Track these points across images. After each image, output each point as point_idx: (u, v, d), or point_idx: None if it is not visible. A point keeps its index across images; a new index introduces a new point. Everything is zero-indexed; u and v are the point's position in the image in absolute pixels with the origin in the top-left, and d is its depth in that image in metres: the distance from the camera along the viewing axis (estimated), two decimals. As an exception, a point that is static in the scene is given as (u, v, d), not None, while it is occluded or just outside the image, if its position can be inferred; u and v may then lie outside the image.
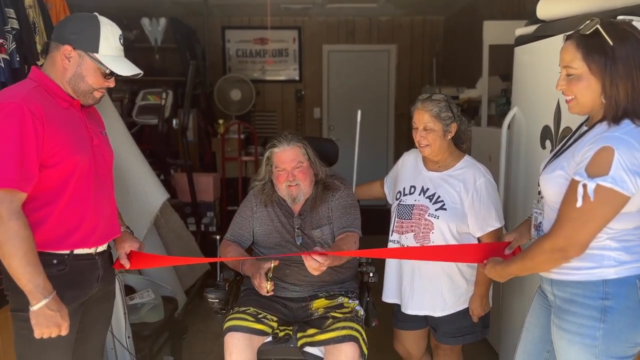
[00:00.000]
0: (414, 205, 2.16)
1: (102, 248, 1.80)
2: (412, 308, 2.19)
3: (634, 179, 1.33)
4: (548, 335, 1.60)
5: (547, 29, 2.32)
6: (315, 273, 1.87)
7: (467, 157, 2.23)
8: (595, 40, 1.41)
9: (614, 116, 1.41)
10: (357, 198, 2.43)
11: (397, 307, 2.28)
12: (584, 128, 1.53)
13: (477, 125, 3.84)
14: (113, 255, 1.93)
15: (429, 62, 6.57)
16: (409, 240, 2.15)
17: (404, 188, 2.24)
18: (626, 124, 1.39)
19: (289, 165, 2.21)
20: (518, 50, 2.59)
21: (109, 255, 1.90)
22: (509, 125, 2.62)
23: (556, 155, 1.57)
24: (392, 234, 2.22)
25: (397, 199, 2.24)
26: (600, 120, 1.45)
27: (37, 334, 1.58)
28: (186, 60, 4.98)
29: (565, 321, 1.50)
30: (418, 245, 2.13)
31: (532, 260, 1.52)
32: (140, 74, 1.76)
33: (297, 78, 6.83)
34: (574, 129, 1.65)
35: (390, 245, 2.22)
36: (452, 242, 2.12)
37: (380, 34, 6.74)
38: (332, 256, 1.89)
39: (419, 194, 2.17)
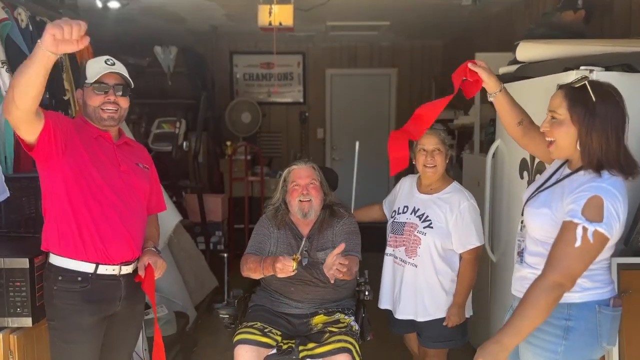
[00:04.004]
0: (405, 222, 2.48)
1: (126, 270, 2.02)
2: (400, 313, 2.49)
3: (616, 225, 1.55)
4: (516, 351, 1.82)
5: (526, 70, 2.57)
6: (339, 275, 2.08)
7: (454, 183, 2.54)
8: (581, 94, 1.61)
9: (591, 164, 1.61)
10: (364, 220, 2.72)
11: (390, 313, 2.57)
12: (567, 170, 1.72)
13: (471, 150, 4.10)
14: None
15: (428, 86, 6.82)
16: (401, 253, 2.48)
17: (399, 207, 2.56)
18: (608, 176, 1.59)
19: (303, 180, 2.46)
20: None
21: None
22: (494, 155, 2.86)
23: (538, 190, 1.77)
24: (387, 247, 2.56)
25: (391, 217, 2.57)
26: (584, 168, 1.64)
27: (57, 33, 1.53)
28: (196, 87, 5.26)
29: (532, 337, 1.70)
30: (409, 259, 2.44)
31: (533, 307, 1.57)
32: (113, 65, 1.98)
33: (301, 100, 7.11)
34: (547, 165, 1.87)
35: (387, 257, 2.56)
36: (437, 257, 2.42)
37: (381, 59, 7.03)
38: (345, 269, 2.09)
39: (411, 213, 2.49)
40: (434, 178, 2.49)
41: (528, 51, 2.53)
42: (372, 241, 2.94)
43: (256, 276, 2.40)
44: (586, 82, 1.62)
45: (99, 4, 4.16)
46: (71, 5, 3.56)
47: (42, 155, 1.84)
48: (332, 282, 2.17)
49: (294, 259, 2.15)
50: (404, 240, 2.47)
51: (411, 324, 2.52)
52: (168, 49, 5.41)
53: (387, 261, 2.57)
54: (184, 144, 5.03)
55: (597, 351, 1.71)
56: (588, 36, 2.82)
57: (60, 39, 1.53)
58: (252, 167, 5.99)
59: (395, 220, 2.54)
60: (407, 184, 2.65)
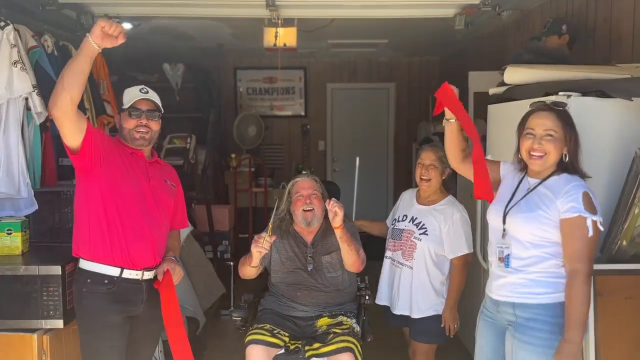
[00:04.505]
0: (403, 229, 2.76)
1: (148, 275, 2.23)
2: (397, 309, 2.73)
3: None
4: (498, 352, 2.05)
5: (512, 92, 2.80)
6: (337, 213, 2.43)
7: (450, 197, 2.80)
8: (568, 116, 1.98)
9: (571, 169, 1.95)
10: (366, 229, 3.00)
11: (387, 308, 2.82)
12: (533, 180, 2.00)
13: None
14: None
15: (425, 99, 7.06)
16: (398, 257, 2.75)
17: (399, 216, 2.83)
18: (579, 177, 1.94)
19: (306, 191, 2.69)
20: (491, 107, 3.07)
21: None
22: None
23: (510, 201, 2.01)
24: (386, 251, 2.82)
25: (392, 224, 2.85)
26: (556, 173, 1.96)
27: (106, 25, 1.89)
28: (203, 102, 5.50)
29: (528, 335, 1.93)
30: (406, 261, 2.70)
31: (583, 300, 1.83)
32: (147, 93, 2.25)
33: (303, 113, 7.36)
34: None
35: (386, 260, 2.82)
36: (430, 262, 2.68)
37: (380, 74, 7.29)
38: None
39: (409, 222, 2.76)
40: (429, 191, 2.75)
41: (514, 75, 2.75)
42: (372, 250, 3.16)
43: (245, 270, 2.63)
44: (566, 108, 1.95)
45: (112, 25, 4.43)
46: (88, 28, 3.81)
47: (83, 162, 2.08)
48: (338, 224, 2.46)
49: (267, 233, 2.39)
50: (401, 245, 2.74)
51: (405, 320, 2.76)
52: (176, 66, 5.65)
53: (386, 263, 2.83)
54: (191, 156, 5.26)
55: None
56: (571, 60, 3.05)
57: (107, 31, 1.87)
58: (256, 178, 6.21)
59: (395, 227, 2.81)
60: (407, 196, 2.93)
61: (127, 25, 4.57)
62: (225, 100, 6.97)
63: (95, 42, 1.90)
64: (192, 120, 5.94)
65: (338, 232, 2.49)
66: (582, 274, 1.85)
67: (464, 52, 6.00)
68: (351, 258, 2.58)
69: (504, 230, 2.03)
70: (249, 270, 2.63)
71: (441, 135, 5.70)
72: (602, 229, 1.87)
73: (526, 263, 1.95)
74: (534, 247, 1.94)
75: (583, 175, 1.97)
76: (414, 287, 2.70)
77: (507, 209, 2.03)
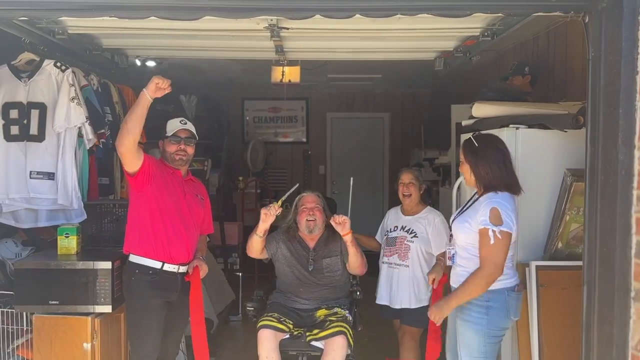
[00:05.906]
0: (397, 237, 3.33)
1: (182, 269, 2.78)
2: (398, 303, 3.25)
3: (512, 224, 2.33)
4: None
5: (479, 124, 3.37)
6: (342, 228, 3.01)
7: (428, 207, 3.43)
8: (469, 144, 2.50)
9: (484, 187, 2.43)
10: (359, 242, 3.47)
11: (383, 307, 3.33)
12: (476, 196, 2.55)
13: (449, 184, 4.92)
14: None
15: (418, 128, 7.65)
16: (395, 259, 3.30)
17: (390, 228, 3.41)
18: (500, 193, 2.40)
19: (310, 204, 3.26)
20: (463, 136, 3.63)
21: None
22: (459, 188, 3.65)
23: (460, 212, 2.57)
24: (383, 257, 3.38)
25: (385, 235, 3.42)
26: (485, 192, 2.46)
27: (160, 82, 2.49)
28: (214, 130, 6.09)
29: (465, 314, 2.46)
30: (402, 262, 3.25)
31: (466, 290, 2.37)
32: (185, 124, 2.82)
33: (304, 140, 8.00)
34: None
35: (383, 265, 3.37)
36: (422, 259, 3.25)
37: (376, 104, 7.94)
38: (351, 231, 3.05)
39: (400, 230, 3.34)
40: (412, 204, 3.35)
41: (480, 110, 3.33)
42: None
43: (252, 242, 3.13)
44: (471, 136, 2.54)
45: (138, 63, 5.05)
46: (121, 68, 4.43)
47: (137, 182, 2.65)
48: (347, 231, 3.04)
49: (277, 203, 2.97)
50: (396, 250, 3.30)
51: (398, 313, 3.28)
52: (190, 97, 6.25)
53: (383, 268, 3.37)
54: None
55: (507, 322, 2.49)
56: (532, 96, 3.63)
57: (160, 86, 2.47)
58: (261, 199, 6.75)
59: (389, 236, 3.37)
60: (392, 212, 3.53)
61: (151, 63, 5.22)
62: (233, 127, 7.58)
63: (150, 95, 2.49)
64: (204, 146, 6.52)
65: (348, 238, 3.03)
66: (482, 272, 2.33)
67: (448, 86, 6.64)
68: (357, 260, 3.12)
69: (451, 235, 2.62)
70: (256, 241, 3.11)
71: (430, 160, 6.31)
72: (500, 237, 2.27)
73: (465, 261, 2.48)
74: (465, 250, 2.47)
75: (512, 190, 2.41)
76: (411, 281, 3.23)
77: (452, 219, 2.62)
